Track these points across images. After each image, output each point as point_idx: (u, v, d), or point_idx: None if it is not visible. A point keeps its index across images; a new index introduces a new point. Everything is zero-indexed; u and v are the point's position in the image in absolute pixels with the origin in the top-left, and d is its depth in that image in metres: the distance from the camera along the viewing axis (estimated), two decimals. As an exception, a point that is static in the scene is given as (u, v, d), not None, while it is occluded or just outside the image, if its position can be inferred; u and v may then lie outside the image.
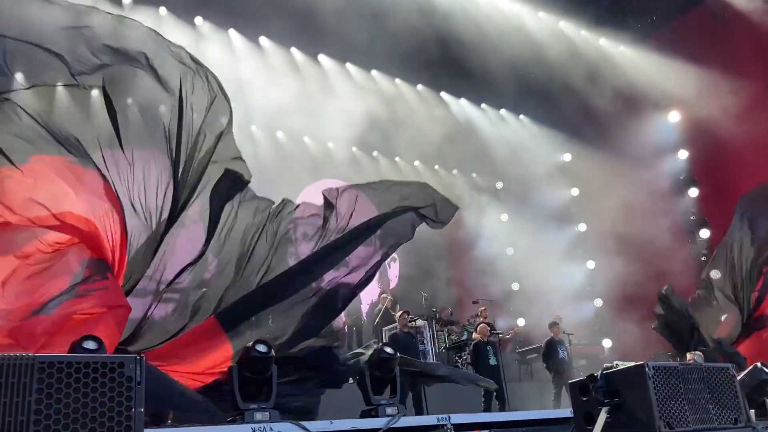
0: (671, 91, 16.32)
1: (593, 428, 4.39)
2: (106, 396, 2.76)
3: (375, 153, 19.68)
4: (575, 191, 19.75)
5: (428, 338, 13.77)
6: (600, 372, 4.66)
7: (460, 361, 14.16)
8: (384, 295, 14.76)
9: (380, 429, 5.58)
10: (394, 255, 19.24)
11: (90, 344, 3.84)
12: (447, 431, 5.98)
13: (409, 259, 18.61)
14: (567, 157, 19.92)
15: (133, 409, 2.79)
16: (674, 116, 17.65)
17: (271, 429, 5.14)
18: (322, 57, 17.62)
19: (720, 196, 16.62)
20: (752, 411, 5.41)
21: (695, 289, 16.77)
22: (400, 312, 11.68)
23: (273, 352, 5.59)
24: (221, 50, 15.63)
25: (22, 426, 2.53)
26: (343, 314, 14.98)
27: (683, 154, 17.72)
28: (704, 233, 17.13)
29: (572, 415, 4.98)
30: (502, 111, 20.49)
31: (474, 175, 21.38)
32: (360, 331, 14.82)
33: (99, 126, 5.98)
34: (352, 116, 16.51)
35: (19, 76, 5.68)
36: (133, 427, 2.76)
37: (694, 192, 17.49)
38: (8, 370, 2.58)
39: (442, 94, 19.69)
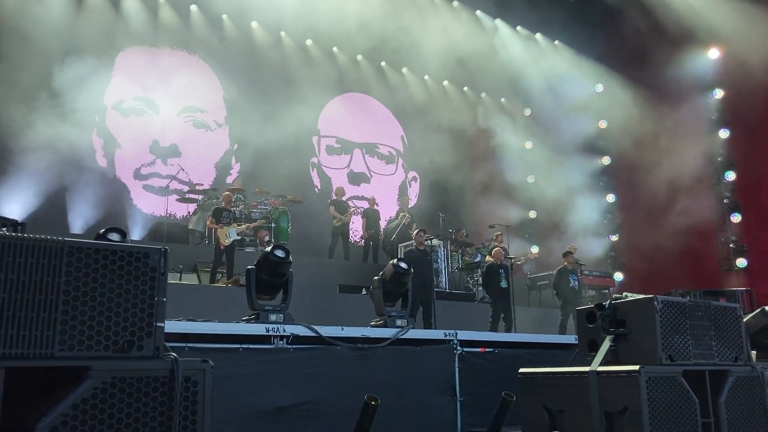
0: (714, 27, 15.69)
1: (596, 354, 4.50)
2: (131, 284, 2.88)
3: (404, 70, 19.38)
4: (603, 123, 19.38)
5: (442, 257, 13.95)
6: (608, 301, 4.75)
7: (471, 281, 14.39)
8: (402, 213, 14.87)
9: (389, 339, 5.78)
10: (415, 174, 19.32)
11: (114, 236, 3.97)
12: (453, 346, 6.19)
13: (429, 179, 18.66)
14: (599, 87, 19.45)
15: (156, 298, 2.93)
16: (714, 53, 17.08)
17: (284, 330, 5.34)
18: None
19: (750, 139, 16.28)
20: (754, 352, 5.51)
21: (715, 233, 16.78)
22: (417, 230, 11.79)
23: (290, 258, 5.72)
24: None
25: (52, 304, 2.67)
26: (361, 228, 15.29)
27: (718, 94, 17.25)
28: (730, 176, 16.87)
29: (576, 342, 5.10)
30: (538, 35, 19.94)
31: (503, 100, 21.03)
32: (377, 244, 15.05)
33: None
34: (381, 29, 16.14)
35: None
36: (155, 314, 2.89)
37: (724, 133, 17.11)
38: (39, 252, 2.70)
39: (478, 12, 19.14)
